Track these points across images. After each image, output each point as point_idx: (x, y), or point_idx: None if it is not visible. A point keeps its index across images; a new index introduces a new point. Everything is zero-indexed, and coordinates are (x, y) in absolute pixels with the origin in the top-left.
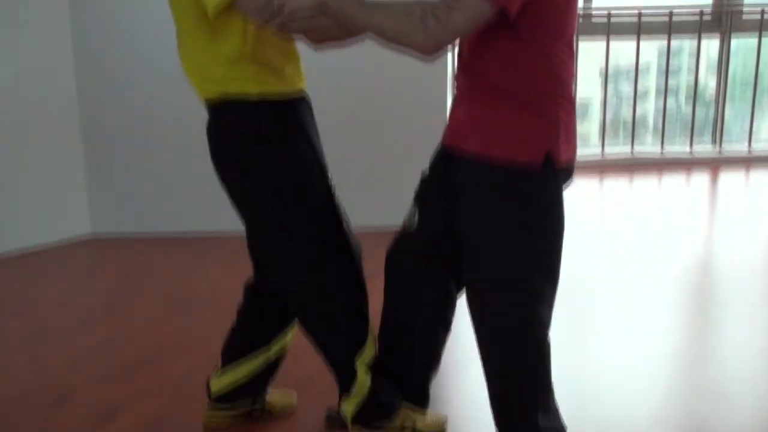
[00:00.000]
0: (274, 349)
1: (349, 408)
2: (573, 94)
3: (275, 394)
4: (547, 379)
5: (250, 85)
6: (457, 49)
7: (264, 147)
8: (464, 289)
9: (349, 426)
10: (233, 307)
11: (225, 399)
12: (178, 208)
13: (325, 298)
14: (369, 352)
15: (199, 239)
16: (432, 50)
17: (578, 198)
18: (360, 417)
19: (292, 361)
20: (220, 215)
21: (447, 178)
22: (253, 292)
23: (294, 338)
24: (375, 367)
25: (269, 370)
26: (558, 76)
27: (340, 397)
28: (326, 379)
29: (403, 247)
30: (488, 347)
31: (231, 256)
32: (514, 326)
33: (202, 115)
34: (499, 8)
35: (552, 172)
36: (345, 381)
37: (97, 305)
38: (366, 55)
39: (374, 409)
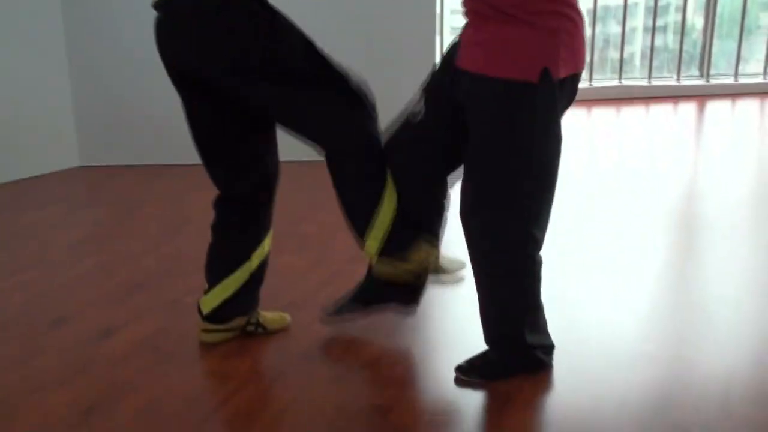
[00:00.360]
0: (254, 260)
1: (373, 244)
2: (577, 4)
3: (269, 314)
4: (536, 297)
5: None
6: None
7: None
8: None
9: (374, 261)
10: None
11: (218, 318)
12: (165, 141)
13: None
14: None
15: (185, 167)
16: None
17: (565, 128)
18: (384, 250)
19: (285, 285)
20: None
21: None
22: (223, 207)
23: (271, 246)
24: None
25: (255, 280)
26: None
27: (363, 238)
28: (316, 302)
29: (405, 135)
30: (480, 264)
31: None
32: (506, 244)
33: None
34: None
35: (549, 87)
36: (367, 215)
37: (88, 233)
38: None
39: (396, 241)
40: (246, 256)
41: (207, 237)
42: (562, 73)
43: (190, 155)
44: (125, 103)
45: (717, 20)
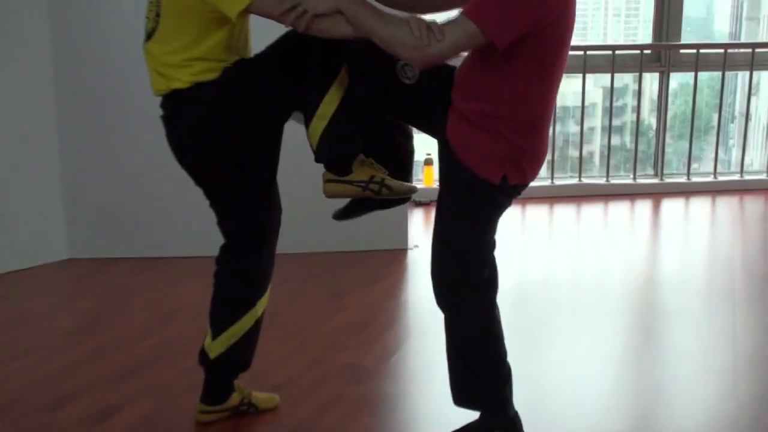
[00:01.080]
0: (259, 309)
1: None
2: (548, 123)
3: (259, 394)
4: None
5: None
6: None
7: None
8: None
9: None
10: None
11: (222, 371)
12: (155, 233)
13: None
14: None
15: (175, 259)
16: (421, 63)
17: (530, 223)
18: (326, 154)
19: (271, 368)
20: (195, 239)
21: None
22: (225, 260)
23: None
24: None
25: (257, 327)
26: (536, 107)
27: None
28: (302, 383)
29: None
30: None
31: (209, 273)
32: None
33: None
34: (490, 40)
35: (505, 187)
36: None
37: (81, 321)
38: None
39: (337, 138)
40: (252, 306)
41: (196, 325)
42: (518, 180)
43: (178, 248)
44: (115, 197)
45: (670, 122)
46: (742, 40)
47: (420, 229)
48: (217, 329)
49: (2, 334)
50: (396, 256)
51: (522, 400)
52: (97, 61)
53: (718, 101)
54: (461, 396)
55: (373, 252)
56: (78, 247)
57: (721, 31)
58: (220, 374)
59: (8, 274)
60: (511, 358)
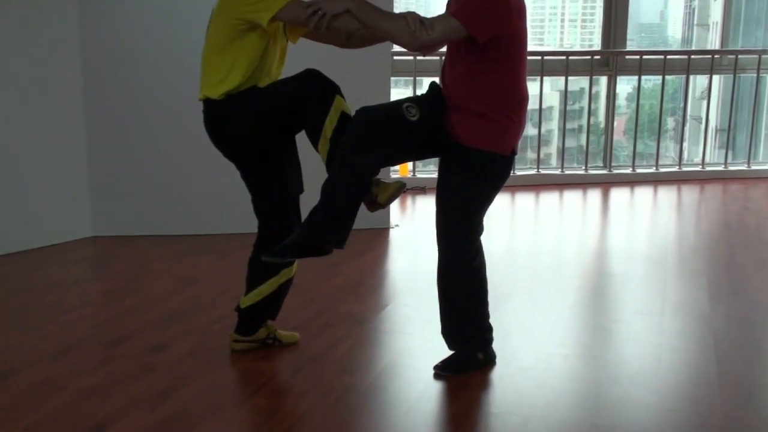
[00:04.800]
0: (283, 276)
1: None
2: (526, 100)
3: (283, 332)
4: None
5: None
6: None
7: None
8: None
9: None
10: (229, 282)
11: (251, 317)
12: (172, 213)
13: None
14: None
15: (190, 237)
16: (415, 49)
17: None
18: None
19: (286, 317)
20: (209, 219)
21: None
22: (261, 228)
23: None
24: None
25: (281, 292)
26: (517, 88)
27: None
28: (315, 326)
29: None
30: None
31: (223, 248)
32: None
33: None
34: (469, 33)
35: (513, 155)
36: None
37: (115, 285)
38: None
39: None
40: (276, 272)
41: (217, 287)
42: (516, 148)
43: (193, 226)
44: (136, 180)
45: (627, 123)
46: (693, 46)
47: (397, 212)
48: (248, 287)
49: (47, 295)
50: (380, 233)
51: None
52: (123, 43)
53: (674, 104)
54: (451, 335)
55: (360, 230)
56: (102, 225)
57: (674, 36)
58: (249, 320)
59: (38, 249)
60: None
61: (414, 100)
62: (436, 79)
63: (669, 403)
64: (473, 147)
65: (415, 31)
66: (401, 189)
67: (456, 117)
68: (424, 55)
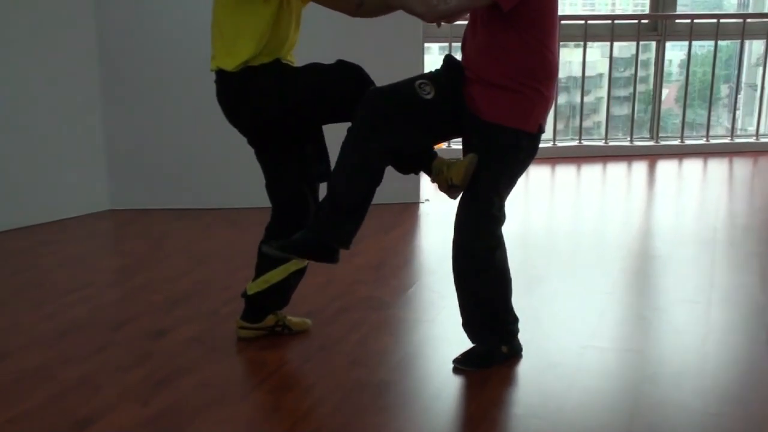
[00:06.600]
0: (291, 266)
1: None
2: (556, 71)
3: (293, 318)
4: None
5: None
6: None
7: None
8: None
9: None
10: (245, 259)
11: (258, 305)
12: (188, 186)
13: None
14: None
15: (205, 210)
16: (432, 20)
17: (533, 182)
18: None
19: (301, 300)
20: (224, 192)
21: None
22: (274, 213)
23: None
24: None
25: (290, 280)
26: (545, 60)
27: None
28: (330, 311)
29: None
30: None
31: (241, 221)
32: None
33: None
34: (493, 2)
35: (540, 132)
36: None
37: (127, 262)
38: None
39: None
40: (287, 259)
41: (230, 266)
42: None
43: (208, 200)
44: (152, 154)
45: (679, 91)
46: (750, 9)
47: (429, 185)
48: (257, 273)
49: (60, 271)
50: (408, 208)
51: (522, 322)
52: (139, 17)
53: (728, 71)
54: (471, 327)
55: (388, 205)
56: (119, 198)
57: (730, 0)
58: (256, 307)
59: (56, 222)
60: (515, 291)
61: (428, 76)
62: (453, 53)
63: (714, 406)
64: (496, 123)
65: (432, 1)
66: (474, 162)
67: (477, 89)
68: (440, 25)
